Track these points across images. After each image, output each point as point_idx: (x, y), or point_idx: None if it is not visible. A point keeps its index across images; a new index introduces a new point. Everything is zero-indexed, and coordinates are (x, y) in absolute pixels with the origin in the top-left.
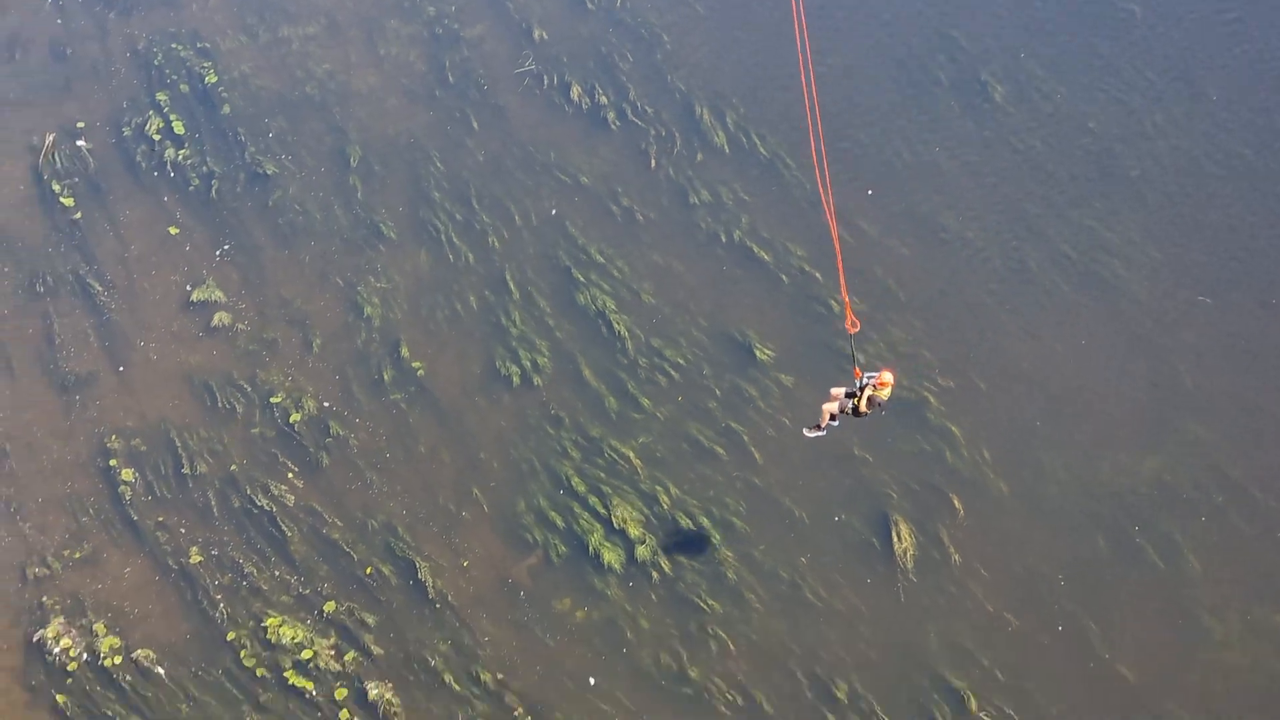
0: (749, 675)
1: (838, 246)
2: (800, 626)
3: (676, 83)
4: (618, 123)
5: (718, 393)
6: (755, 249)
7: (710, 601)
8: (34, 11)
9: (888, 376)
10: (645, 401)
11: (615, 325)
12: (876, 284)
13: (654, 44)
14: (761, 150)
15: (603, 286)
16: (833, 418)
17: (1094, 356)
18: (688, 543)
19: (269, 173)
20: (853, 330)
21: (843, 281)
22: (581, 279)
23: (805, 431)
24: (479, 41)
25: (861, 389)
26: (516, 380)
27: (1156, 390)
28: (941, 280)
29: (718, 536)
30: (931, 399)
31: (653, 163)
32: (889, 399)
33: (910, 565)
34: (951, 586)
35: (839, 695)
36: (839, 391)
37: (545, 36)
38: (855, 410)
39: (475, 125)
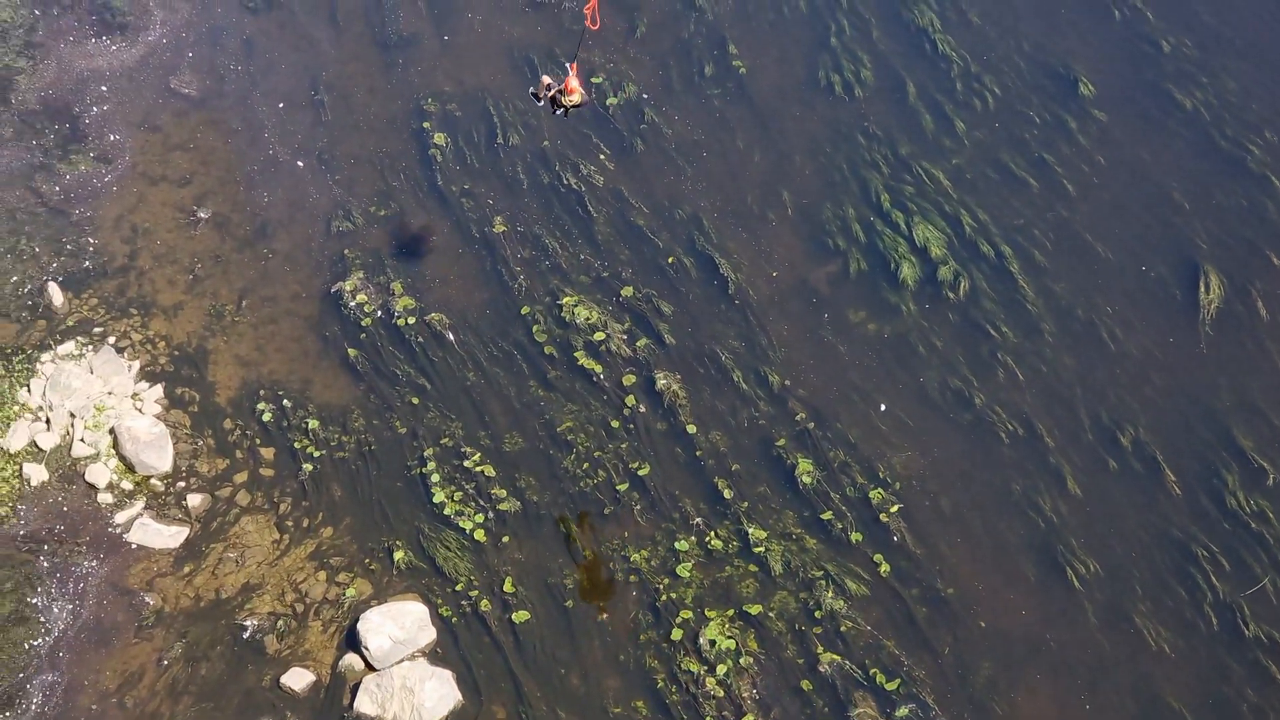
0: (1033, 407)
1: None
2: (1091, 366)
3: None
4: None
5: (1036, 121)
6: None
7: (1004, 330)
8: None
9: (574, 84)
10: (960, 124)
11: (940, 45)
12: (1206, 27)
13: None
14: None
15: (930, 4)
16: (549, 92)
17: None
18: (987, 269)
19: None
20: (592, 26)
21: None
22: None
23: (530, 89)
24: None
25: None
26: (837, 89)
27: None
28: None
29: (1018, 266)
30: (1255, 150)
31: None
32: (575, 109)
33: (1212, 318)
34: (1252, 344)
35: (1122, 440)
36: (568, 80)
37: None
38: (549, 100)
39: None
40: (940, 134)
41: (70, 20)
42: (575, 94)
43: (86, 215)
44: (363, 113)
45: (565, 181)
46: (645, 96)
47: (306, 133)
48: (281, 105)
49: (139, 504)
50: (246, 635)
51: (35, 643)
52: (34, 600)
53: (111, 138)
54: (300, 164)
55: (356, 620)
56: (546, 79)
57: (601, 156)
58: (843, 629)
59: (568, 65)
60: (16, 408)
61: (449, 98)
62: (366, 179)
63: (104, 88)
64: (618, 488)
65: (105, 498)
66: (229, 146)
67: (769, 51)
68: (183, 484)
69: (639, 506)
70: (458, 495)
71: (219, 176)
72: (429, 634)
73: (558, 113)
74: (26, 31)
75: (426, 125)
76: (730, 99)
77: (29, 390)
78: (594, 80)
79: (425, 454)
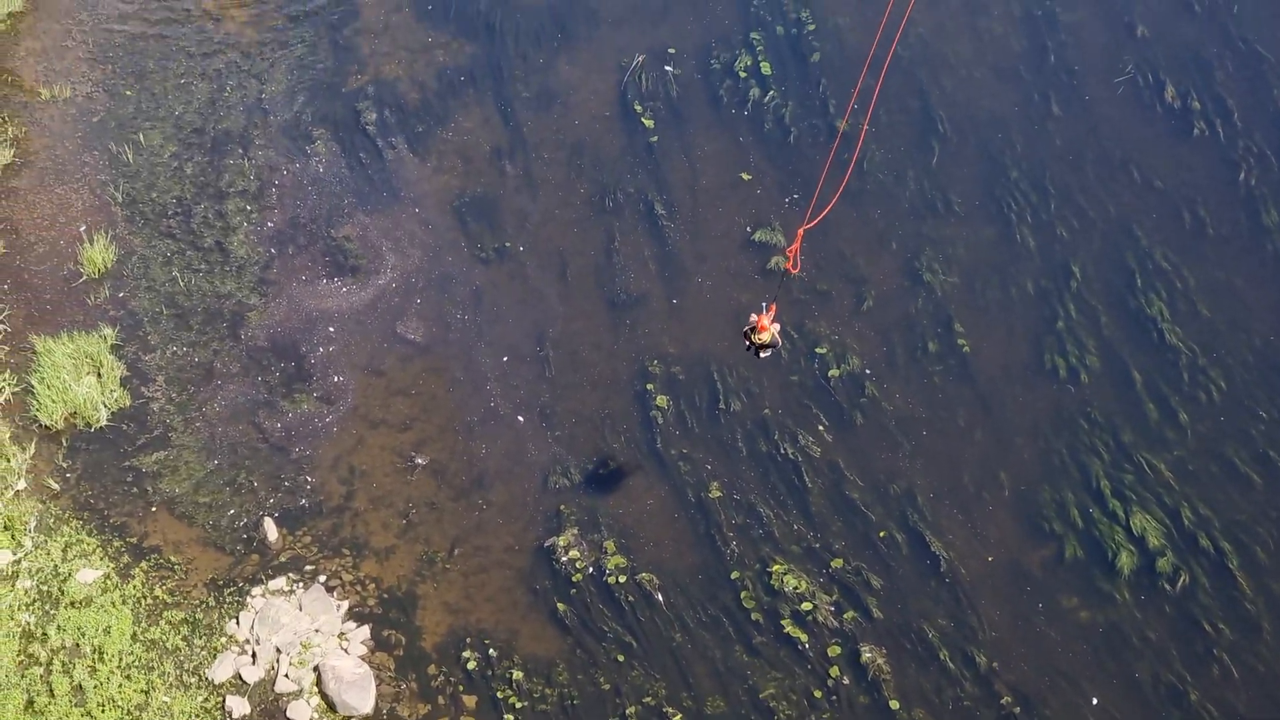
0: (1248, 706)
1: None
2: None
3: (1277, 99)
4: (1205, 130)
5: (1263, 418)
6: None
7: (1221, 626)
8: None
9: (766, 322)
10: (1184, 416)
11: (1167, 334)
12: None
13: (1257, 59)
14: None
15: (1160, 293)
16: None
17: None
18: (1206, 564)
19: (846, 130)
20: (792, 270)
21: (809, 216)
22: (1141, 283)
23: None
24: (1077, 28)
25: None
26: (1061, 373)
27: None
28: None
29: (1238, 562)
30: None
31: (1241, 176)
32: (771, 346)
33: None
34: None
35: None
36: (760, 318)
37: (1146, 34)
38: (748, 340)
39: (1057, 110)
40: (1164, 424)
41: (304, 260)
42: (765, 332)
43: (306, 454)
44: (587, 370)
45: (783, 451)
46: (868, 371)
47: (529, 387)
48: (506, 358)
49: None
50: None
51: None
52: None
53: (335, 379)
54: (520, 418)
55: None
56: (754, 316)
57: (820, 428)
58: None
59: (764, 304)
60: (224, 639)
61: (673, 360)
62: (586, 437)
63: (331, 329)
64: None
65: None
66: (450, 395)
67: (994, 332)
68: None
69: None
70: None
71: (439, 424)
72: None
73: (748, 349)
74: (261, 269)
75: (650, 387)
76: (952, 377)
77: (238, 623)
78: (818, 350)
79: (627, 711)
